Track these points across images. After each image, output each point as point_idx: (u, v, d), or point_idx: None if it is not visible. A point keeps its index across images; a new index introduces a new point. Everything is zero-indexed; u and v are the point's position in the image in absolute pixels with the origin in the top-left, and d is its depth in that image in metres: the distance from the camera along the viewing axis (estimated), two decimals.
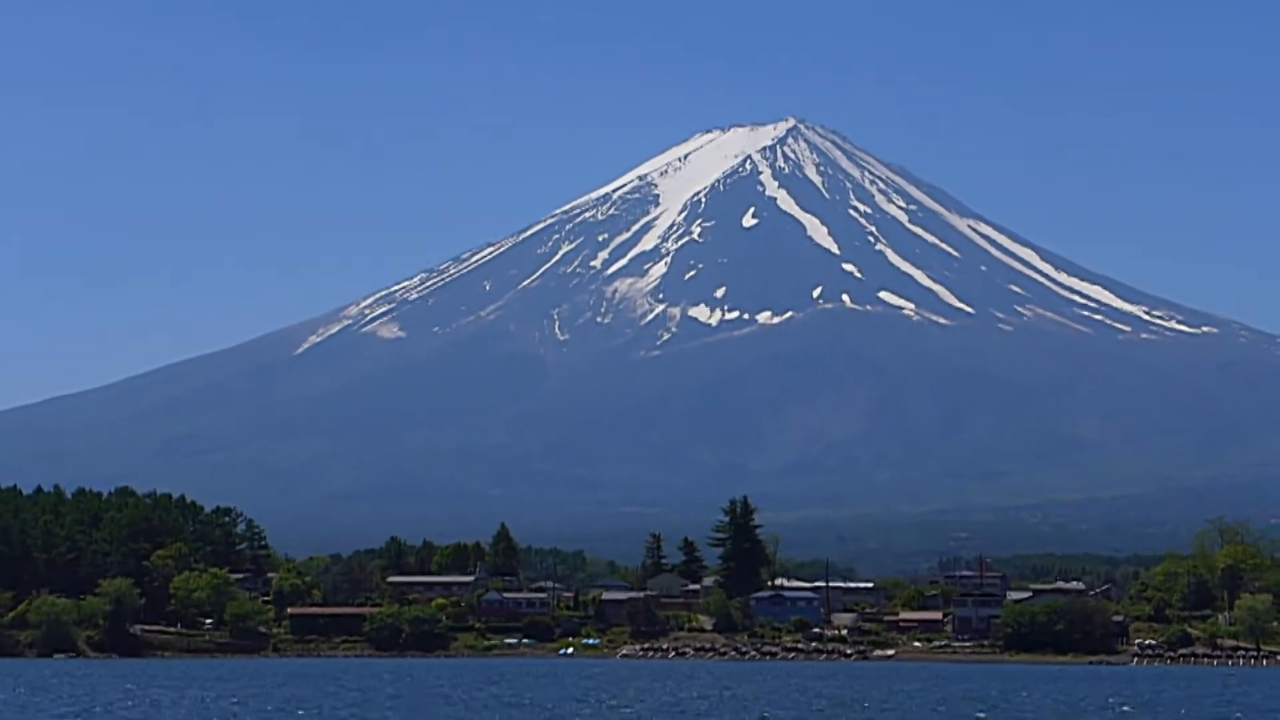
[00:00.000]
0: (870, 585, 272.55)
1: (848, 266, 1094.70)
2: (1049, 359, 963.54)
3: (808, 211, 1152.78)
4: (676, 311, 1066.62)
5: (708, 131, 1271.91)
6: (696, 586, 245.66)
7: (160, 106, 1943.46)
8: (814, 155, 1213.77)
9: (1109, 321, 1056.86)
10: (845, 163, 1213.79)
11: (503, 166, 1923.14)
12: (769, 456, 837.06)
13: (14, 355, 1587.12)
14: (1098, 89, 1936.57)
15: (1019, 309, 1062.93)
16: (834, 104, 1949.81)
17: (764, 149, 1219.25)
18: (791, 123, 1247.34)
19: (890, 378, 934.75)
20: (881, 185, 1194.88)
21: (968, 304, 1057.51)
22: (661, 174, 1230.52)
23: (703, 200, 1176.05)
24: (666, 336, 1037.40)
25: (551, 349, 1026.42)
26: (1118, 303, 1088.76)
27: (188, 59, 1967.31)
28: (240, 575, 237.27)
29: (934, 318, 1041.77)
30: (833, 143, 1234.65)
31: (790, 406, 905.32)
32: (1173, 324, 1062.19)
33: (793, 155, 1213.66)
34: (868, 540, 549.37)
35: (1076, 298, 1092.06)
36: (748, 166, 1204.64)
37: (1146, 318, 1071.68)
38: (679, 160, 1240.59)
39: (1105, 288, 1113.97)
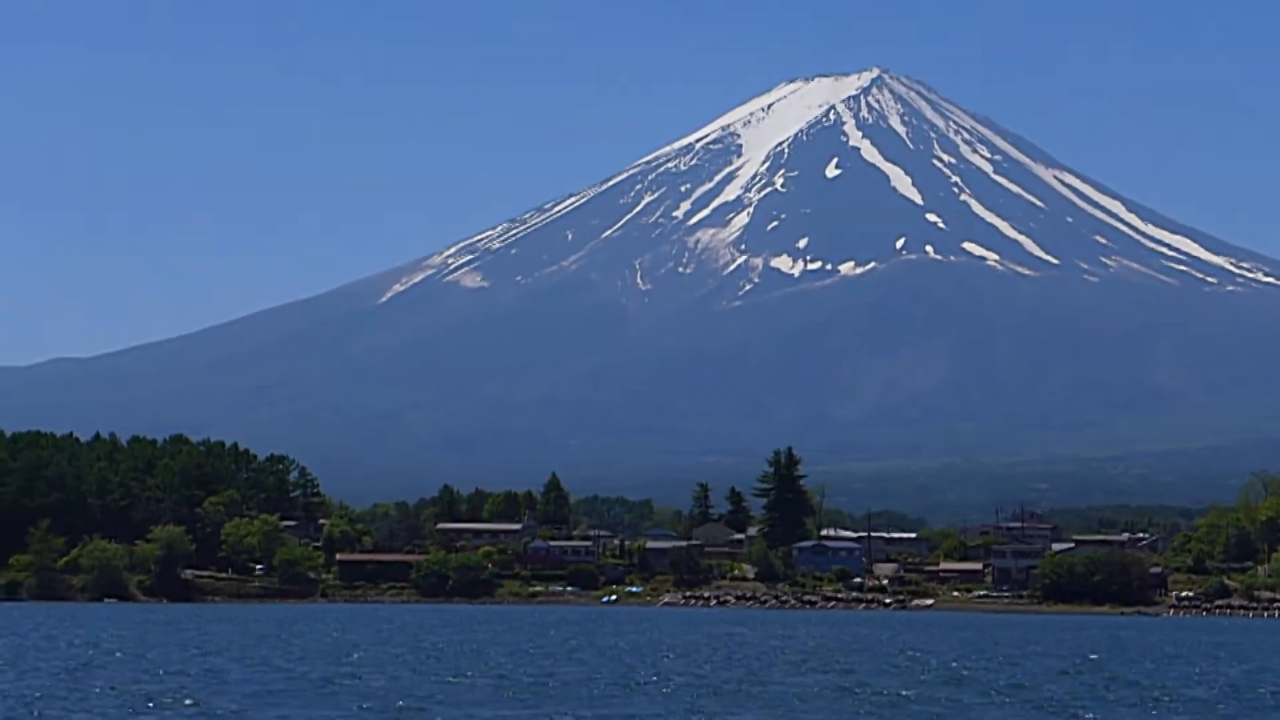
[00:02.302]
0: (914, 536, 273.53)
1: (931, 217, 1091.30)
2: (1134, 310, 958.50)
3: (891, 162, 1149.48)
4: (759, 262, 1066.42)
5: (791, 81, 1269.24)
6: (741, 536, 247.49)
7: (245, 56, 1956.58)
8: (898, 105, 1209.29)
9: (1195, 273, 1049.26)
10: (930, 113, 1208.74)
11: (586, 117, 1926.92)
12: (850, 407, 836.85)
13: (102, 303, 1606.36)
14: (1188, 37, 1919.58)
15: (1104, 260, 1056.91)
16: (919, 54, 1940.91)
17: (848, 99, 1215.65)
18: (876, 73, 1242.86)
19: (973, 329, 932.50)
20: (966, 135, 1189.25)
21: (1052, 255, 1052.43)
22: (745, 124, 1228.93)
23: (786, 150, 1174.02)
24: (748, 287, 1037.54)
25: (633, 299, 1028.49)
26: (1204, 254, 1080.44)
27: (273, 6, 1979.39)
28: (292, 522, 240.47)
29: (1018, 269, 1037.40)
30: (917, 93, 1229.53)
31: (872, 357, 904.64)
32: (1259, 276, 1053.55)
33: (877, 105, 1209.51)
34: (948, 491, 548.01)
35: (1162, 249, 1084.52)
36: (831, 117, 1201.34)
37: (1233, 269, 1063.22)
38: (762, 110, 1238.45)
39: (1191, 239, 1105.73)
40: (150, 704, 68.23)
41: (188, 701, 68.91)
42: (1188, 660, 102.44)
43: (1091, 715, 67.85)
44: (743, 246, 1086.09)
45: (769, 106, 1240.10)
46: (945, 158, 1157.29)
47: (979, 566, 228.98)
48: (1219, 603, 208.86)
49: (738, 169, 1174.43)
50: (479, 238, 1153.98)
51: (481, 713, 65.98)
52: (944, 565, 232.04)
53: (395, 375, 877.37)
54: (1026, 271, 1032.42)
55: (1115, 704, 72.57)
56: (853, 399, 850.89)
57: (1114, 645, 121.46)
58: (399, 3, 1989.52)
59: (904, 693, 76.86)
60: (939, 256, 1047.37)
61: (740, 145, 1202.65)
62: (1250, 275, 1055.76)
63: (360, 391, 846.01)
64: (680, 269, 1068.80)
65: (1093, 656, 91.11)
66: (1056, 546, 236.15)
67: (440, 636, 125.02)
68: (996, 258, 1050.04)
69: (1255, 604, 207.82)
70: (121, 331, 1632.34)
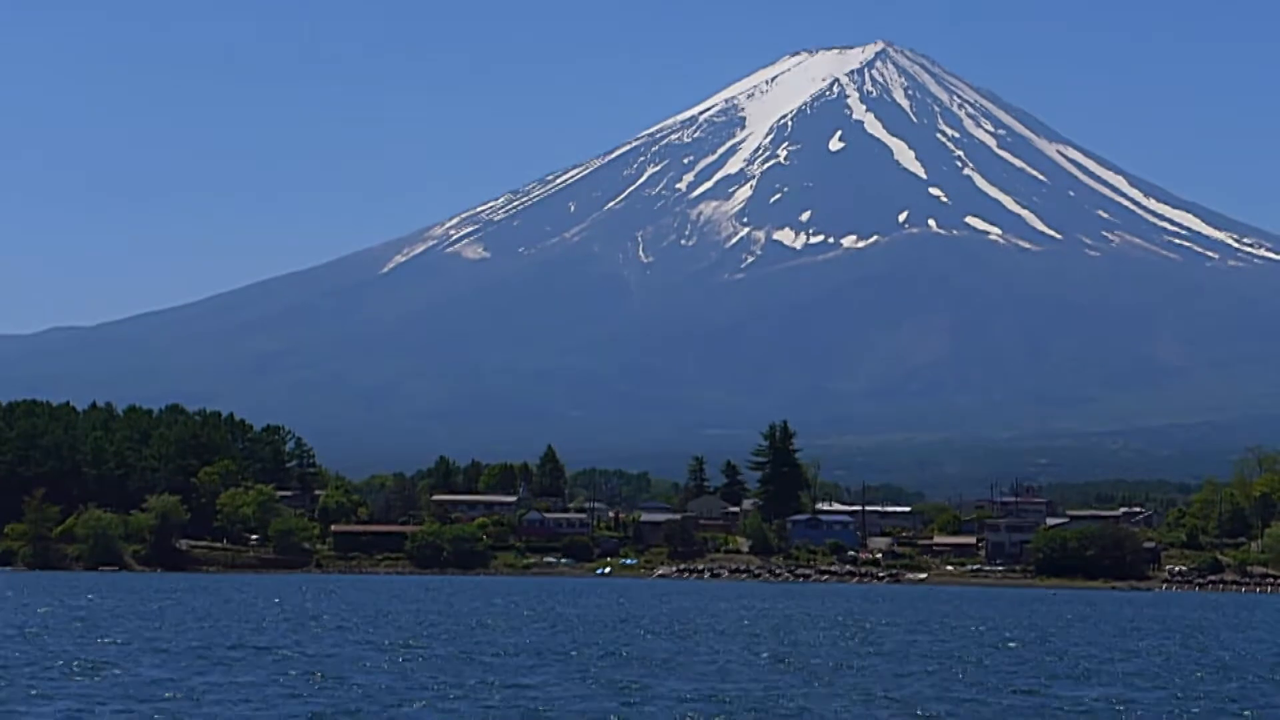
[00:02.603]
0: (908, 510, 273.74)
1: (934, 191, 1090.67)
2: (1136, 285, 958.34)
3: (895, 135, 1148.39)
4: (761, 235, 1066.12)
5: (795, 54, 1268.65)
6: (736, 509, 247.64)
7: (249, 27, 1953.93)
8: (902, 79, 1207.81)
9: (1197, 248, 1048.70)
10: (934, 86, 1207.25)
11: (589, 89, 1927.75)
12: (851, 380, 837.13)
13: (103, 272, 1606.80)
14: (1192, 13, 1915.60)
15: (1106, 235, 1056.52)
16: (923, 28, 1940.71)
17: (852, 72, 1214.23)
18: (880, 46, 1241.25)
19: (975, 303, 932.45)
20: (970, 109, 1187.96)
21: (1055, 229, 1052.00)
22: (748, 97, 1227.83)
23: (789, 123, 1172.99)
24: (750, 260, 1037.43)
25: (635, 271, 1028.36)
26: (1206, 229, 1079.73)
27: None
28: (288, 493, 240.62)
29: (1021, 243, 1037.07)
30: (921, 66, 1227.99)
31: (874, 331, 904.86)
32: (1262, 251, 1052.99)
33: (880, 79, 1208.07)
34: (947, 465, 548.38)
35: (1165, 224, 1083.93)
36: (835, 90, 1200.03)
37: (1235, 245, 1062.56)
38: (766, 83, 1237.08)
39: (1194, 214, 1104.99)
40: None
41: None
42: (1131, 636, 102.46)
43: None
44: (745, 219, 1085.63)
45: (773, 79, 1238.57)
46: (949, 132, 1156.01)
47: (973, 540, 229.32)
48: (1212, 578, 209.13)
49: (741, 142, 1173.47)
50: (481, 209, 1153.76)
51: (356, 677, 65.67)
52: (937, 539, 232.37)
53: (397, 346, 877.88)
54: (1029, 246, 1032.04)
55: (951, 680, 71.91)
56: (854, 372, 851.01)
57: (1066, 621, 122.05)
58: None
59: (814, 660, 77.27)
60: (941, 230, 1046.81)
61: (744, 118, 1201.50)
62: (1252, 251, 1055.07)
63: (362, 362, 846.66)
64: (682, 241, 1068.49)
65: (1011, 643, 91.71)
66: (1051, 521, 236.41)
67: (394, 606, 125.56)
68: (999, 232, 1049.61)
69: (1248, 579, 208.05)
70: (123, 300, 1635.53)
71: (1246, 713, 60.15)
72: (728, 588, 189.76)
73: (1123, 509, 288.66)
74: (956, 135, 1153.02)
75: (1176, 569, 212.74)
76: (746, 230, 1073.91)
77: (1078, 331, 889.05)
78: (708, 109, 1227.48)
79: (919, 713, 57.81)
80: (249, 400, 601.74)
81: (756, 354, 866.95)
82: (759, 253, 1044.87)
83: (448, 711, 55.86)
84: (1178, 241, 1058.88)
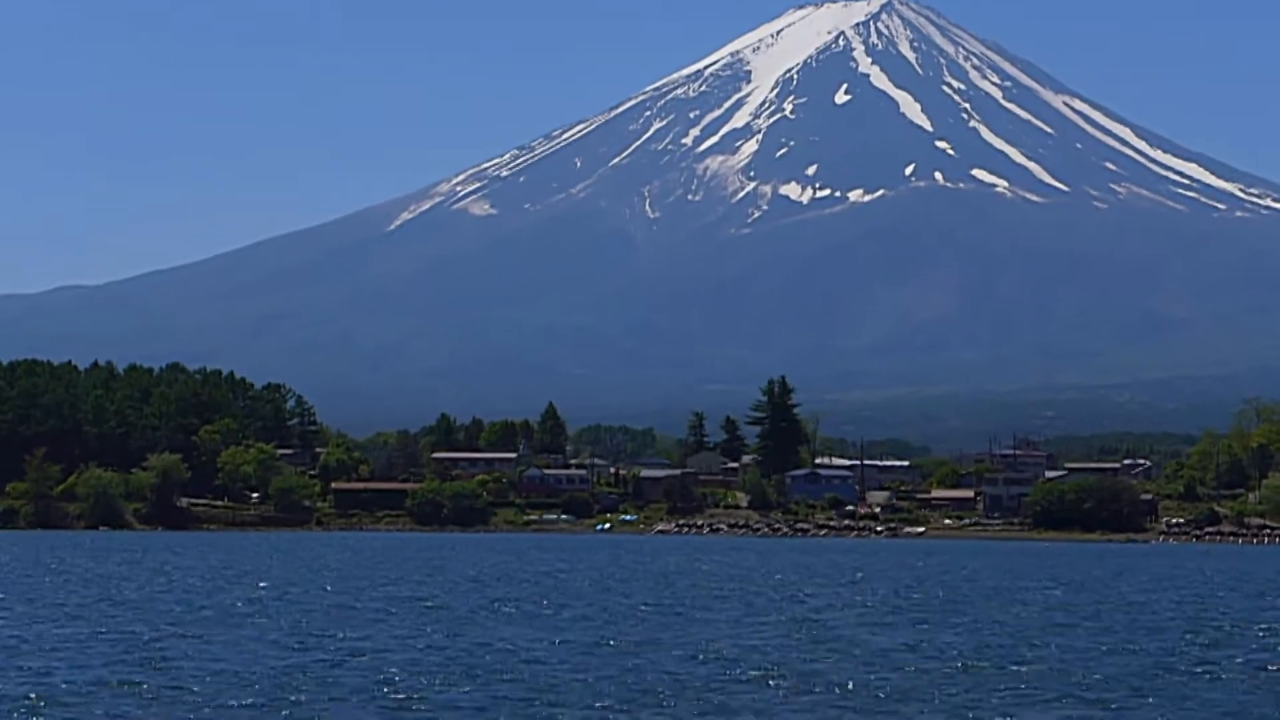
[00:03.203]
0: (907, 464, 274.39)
1: (941, 144, 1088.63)
2: (1143, 237, 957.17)
3: (901, 88, 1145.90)
4: (767, 189, 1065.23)
5: (801, 7, 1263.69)
6: (736, 465, 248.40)
7: None
8: (908, 31, 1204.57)
9: (1204, 199, 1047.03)
10: (939, 39, 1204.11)
11: (595, 44, 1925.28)
12: (858, 335, 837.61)
13: (110, 230, 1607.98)
14: None
15: (1113, 187, 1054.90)
16: None
17: (857, 25, 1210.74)
18: None
19: (982, 256, 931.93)
20: (976, 61, 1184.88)
21: (1062, 182, 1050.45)
22: (754, 50, 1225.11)
23: (795, 77, 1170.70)
24: (757, 214, 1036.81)
25: (641, 226, 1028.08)
26: (1213, 180, 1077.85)
27: None
28: (288, 450, 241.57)
29: (1027, 196, 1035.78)
30: (927, 18, 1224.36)
31: (880, 285, 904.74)
32: (1269, 202, 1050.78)
33: (886, 31, 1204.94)
34: (953, 420, 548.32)
35: (1171, 175, 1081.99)
36: (840, 43, 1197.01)
37: (1242, 196, 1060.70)
38: (771, 37, 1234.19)
39: (1201, 165, 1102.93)
40: None
41: None
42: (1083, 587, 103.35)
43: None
44: (751, 174, 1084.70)
45: (778, 33, 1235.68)
46: (955, 84, 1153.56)
47: (971, 494, 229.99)
48: (1209, 529, 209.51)
49: (747, 96, 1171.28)
50: (487, 165, 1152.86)
51: (215, 634, 66.62)
52: (936, 493, 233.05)
53: (404, 303, 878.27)
54: (1036, 199, 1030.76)
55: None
56: (861, 327, 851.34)
57: (1021, 568, 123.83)
58: None
59: (678, 610, 78.37)
60: (948, 184, 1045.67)
61: (749, 72, 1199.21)
62: (1259, 201, 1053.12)
63: (369, 319, 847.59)
64: (689, 196, 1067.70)
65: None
66: (1049, 474, 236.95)
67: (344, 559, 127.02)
68: (1006, 185, 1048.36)
69: (1245, 530, 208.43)
70: (130, 259, 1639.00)
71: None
72: (720, 542, 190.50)
73: (1126, 461, 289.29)
74: (962, 88, 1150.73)
75: (1173, 521, 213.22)
76: (753, 185, 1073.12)
77: (1084, 284, 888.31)
78: (713, 63, 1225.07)
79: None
80: (254, 359, 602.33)
81: (763, 309, 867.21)
82: (765, 207, 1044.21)
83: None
84: (1184, 193, 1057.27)
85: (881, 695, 48.58)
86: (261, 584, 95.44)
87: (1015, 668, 55.33)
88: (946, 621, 73.27)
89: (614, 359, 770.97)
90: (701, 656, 57.58)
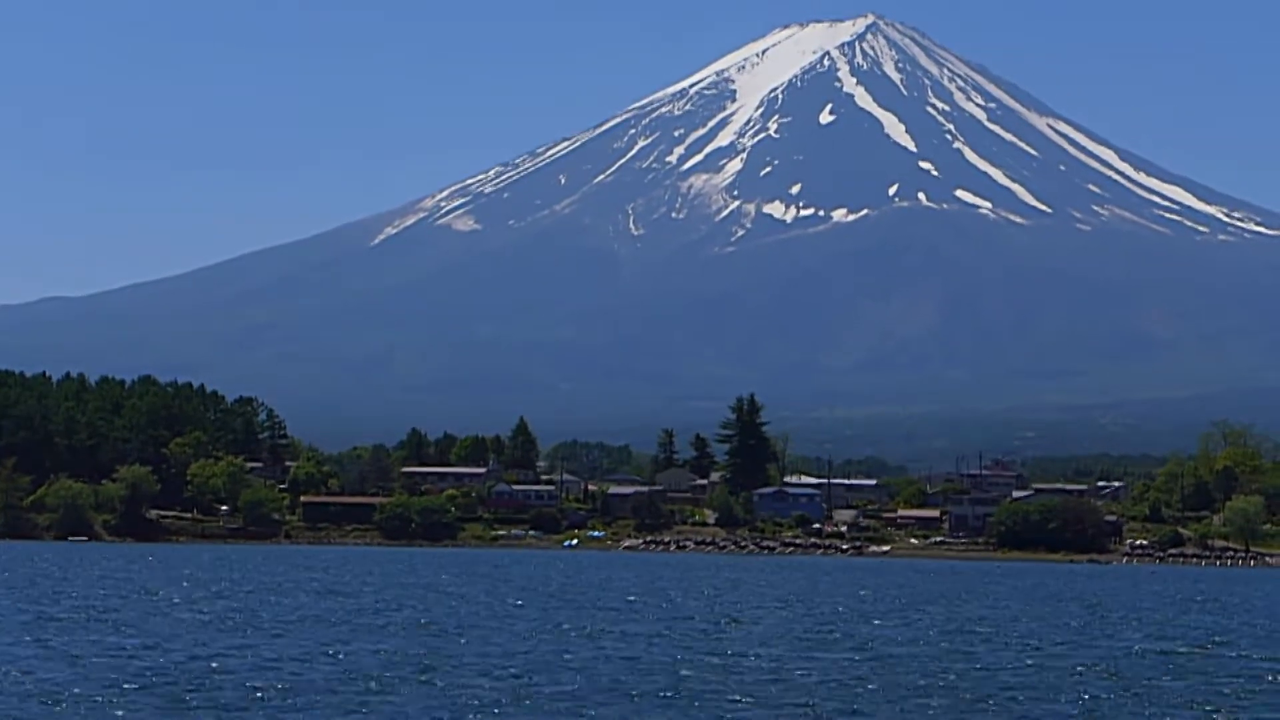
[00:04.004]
0: (875, 483, 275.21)
1: (925, 164, 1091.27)
2: (1125, 259, 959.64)
3: (885, 109, 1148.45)
4: (751, 208, 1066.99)
5: (786, 27, 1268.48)
6: (705, 482, 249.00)
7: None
8: (893, 52, 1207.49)
9: (1187, 222, 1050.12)
10: (924, 60, 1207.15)
11: (580, 61, 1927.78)
12: (841, 353, 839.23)
13: (95, 243, 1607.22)
14: None
15: (1096, 209, 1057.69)
16: (913, 1, 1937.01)
17: (842, 45, 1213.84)
18: (870, 19, 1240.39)
19: (965, 276, 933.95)
20: (960, 83, 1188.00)
21: (1045, 203, 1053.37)
22: (739, 69, 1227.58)
23: (780, 96, 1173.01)
24: (741, 233, 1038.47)
25: (625, 244, 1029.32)
26: (1196, 203, 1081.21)
27: None
28: (258, 464, 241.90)
29: (1011, 217, 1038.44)
30: (912, 39, 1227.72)
31: (863, 304, 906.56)
32: (1251, 225, 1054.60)
33: (871, 52, 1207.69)
34: (936, 438, 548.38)
35: (1155, 198, 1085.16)
36: (826, 63, 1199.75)
37: (1225, 219, 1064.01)
38: (757, 56, 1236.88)
39: (1184, 188, 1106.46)
40: None
41: None
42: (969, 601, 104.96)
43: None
44: (735, 192, 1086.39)
45: (763, 52, 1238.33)
46: (939, 105, 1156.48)
47: (936, 513, 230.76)
48: (1172, 551, 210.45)
49: (731, 114, 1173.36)
50: (471, 181, 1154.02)
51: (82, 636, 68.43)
52: (902, 512, 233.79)
53: (386, 318, 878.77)
54: (1019, 220, 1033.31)
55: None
56: (844, 345, 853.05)
57: (925, 590, 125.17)
58: None
59: (564, 626, 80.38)
60: (931, 204, 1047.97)
61: (734, 91, 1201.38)
62: (1241, 225, 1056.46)
63: (352, 334, 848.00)
64: (673, 214, 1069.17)
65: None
66: (1017, 494, 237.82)
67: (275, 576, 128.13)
68: (989, 205, 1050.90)
69: (1209, 553, 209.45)
70: (114, 271, 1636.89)
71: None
72: (680, 559, 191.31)
73: (1101, 483, 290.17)
74: (947, 109, 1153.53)
75: (1137, 542, 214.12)
76: (737, 203, 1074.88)
77: (1067, 305, 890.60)
78: (698, 82, 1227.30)
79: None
80: (238, 372, 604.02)
81: (746, 327, 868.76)
82: (749, 226, 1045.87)
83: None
84: (1168, 215, 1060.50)
85: None
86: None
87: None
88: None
89: (597, 375, 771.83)
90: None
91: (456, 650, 67.06)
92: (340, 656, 63.56)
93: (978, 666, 64.86)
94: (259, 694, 52.65)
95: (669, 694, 54.50)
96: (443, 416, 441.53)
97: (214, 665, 59.61)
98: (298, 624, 78.61)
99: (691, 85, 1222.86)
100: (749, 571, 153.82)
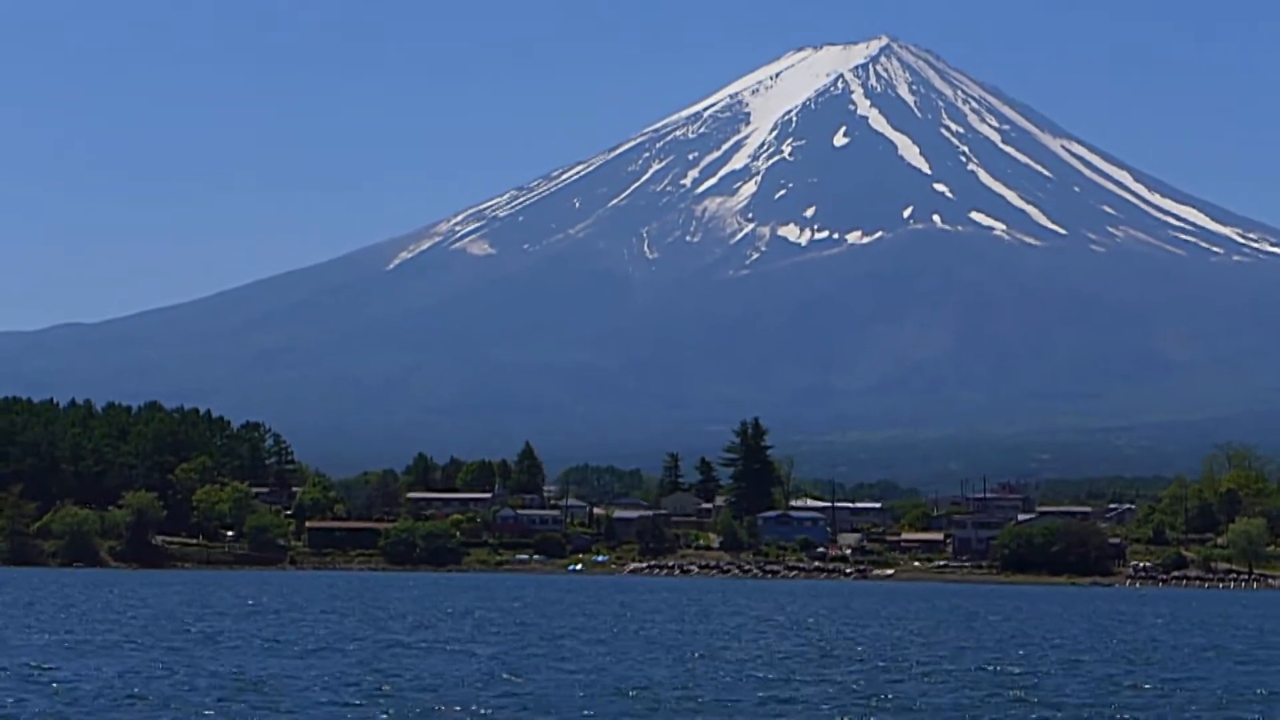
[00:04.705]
0: (879, 506, 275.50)
1: (939, 186, 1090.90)
2: (1140, 281, 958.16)
3: (899, 131, 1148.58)
4: (766, 231, 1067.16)
5: (800, 50, 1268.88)
6: (710, 506, 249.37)
7: (254, 21, 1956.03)
8: (906, 74, 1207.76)
9: (1202, 243, 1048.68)
10: (938, 82, 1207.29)
11: (594, 85, 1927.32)
12: (856, 376, 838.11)
13: (110, 269, 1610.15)
14: (1194, 7, 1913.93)
15: (1111, 230, 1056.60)
16: (927, 23, 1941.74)
17: (856, 68, 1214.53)
18: (884, 41, 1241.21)
19: (980, 299, 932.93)
20: (974, 105, 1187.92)
21: (1060, 225, 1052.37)
22: (753, 92, 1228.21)
23: (794, 119, 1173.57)
24: (755, 256, 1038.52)
25: (640, 267, 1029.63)
26: (1211, 224, 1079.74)
27: None
28: (264, 489, 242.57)
29: (1025, 238, 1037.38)
30: (925, 61, 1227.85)
31: (878, 327, 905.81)
32: (1267, 247, 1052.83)
33: (885, 74, 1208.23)
34: (949, 461, 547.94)
35: (1169, 219, 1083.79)
36: (839, 85, 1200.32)
37: (1240, 240, 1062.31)
38: (770, 79, 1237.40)
39: (1199, 209, 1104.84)
40: None
41: None
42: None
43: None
44: (750, 215, 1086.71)
45: (777, 75, 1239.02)
46: (953, 127, 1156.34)
47: (940, 537, 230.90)
48: (1175, 573, 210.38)
49: (745, 137, 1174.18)
50: (486, 205, 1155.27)
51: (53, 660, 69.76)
52: (906, 535, 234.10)
53: (402, 342, 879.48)
54: (1033, 241, 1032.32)
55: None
56: (858, 368, 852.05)
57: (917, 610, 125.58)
58: None
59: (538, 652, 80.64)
60: (946, 226, 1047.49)
61: (748, 114, 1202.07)
62: (1257, 246, 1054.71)
63: (367, 358, 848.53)
64: (687, 237, 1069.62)
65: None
66: (1022, 517, 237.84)
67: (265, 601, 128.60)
68: (1004, 227, 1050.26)
69: (1211, 575, 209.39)
70: (130, 297, 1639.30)
71: None
72: (681, 584, 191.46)
73: (1112, 505, 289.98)
74: (961, 131, 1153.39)
75: (1141, 565, 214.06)
76: (751, 226, 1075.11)
77: (1082, 327, 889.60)
78: (712, 105, 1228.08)
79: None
80: (252, 398, 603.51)
81: (761, 350, 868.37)
82: (763, 249, 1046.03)
83: None
84: (1182, 237, 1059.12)
85: None
86: None
87: None
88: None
89: (611, 399, 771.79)
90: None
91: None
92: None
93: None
94: None
95: None
96: (456, 440, 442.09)
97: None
98: None
99: (706, 108, 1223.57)
100: (750, 597, 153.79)
